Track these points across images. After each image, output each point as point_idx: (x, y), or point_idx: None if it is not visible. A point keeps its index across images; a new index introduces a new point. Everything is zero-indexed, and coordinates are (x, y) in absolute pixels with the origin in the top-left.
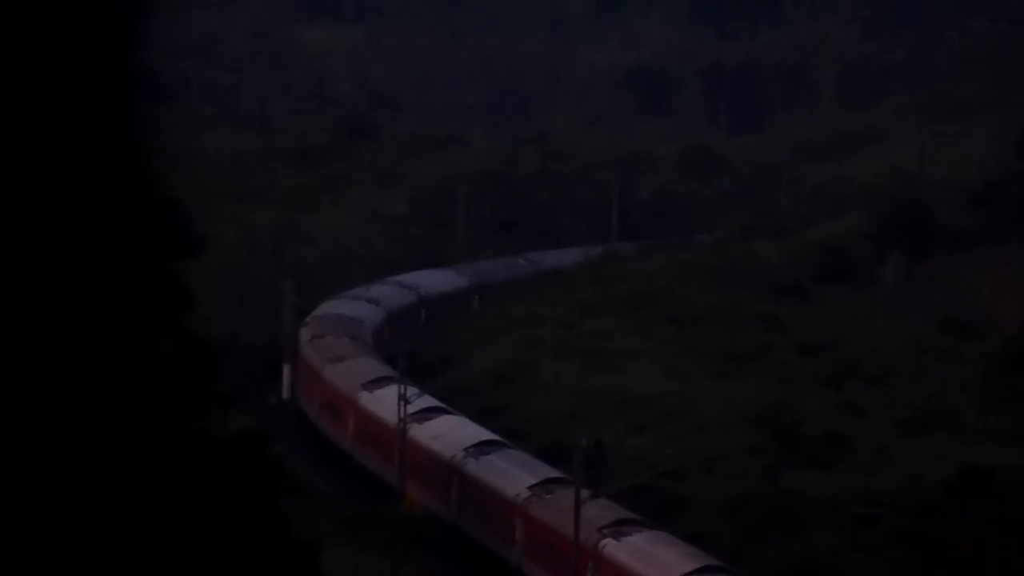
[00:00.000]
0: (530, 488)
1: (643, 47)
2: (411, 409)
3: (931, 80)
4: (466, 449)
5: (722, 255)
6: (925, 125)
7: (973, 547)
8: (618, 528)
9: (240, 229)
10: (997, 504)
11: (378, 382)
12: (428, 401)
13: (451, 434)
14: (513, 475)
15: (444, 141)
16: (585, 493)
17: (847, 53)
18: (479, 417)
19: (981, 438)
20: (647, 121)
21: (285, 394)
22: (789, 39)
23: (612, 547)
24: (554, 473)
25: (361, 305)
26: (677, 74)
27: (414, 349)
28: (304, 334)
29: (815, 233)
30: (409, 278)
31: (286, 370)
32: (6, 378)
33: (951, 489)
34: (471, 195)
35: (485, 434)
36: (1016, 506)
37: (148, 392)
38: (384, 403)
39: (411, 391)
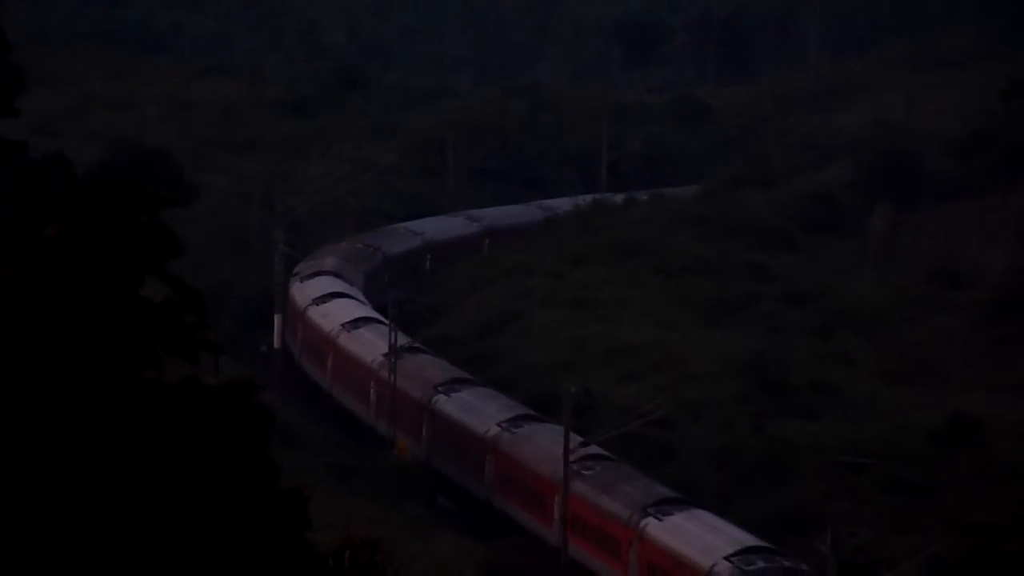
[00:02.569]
0: (383, 355)
1: None
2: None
3: (919, 31)
4: (342, 324)
5: (710, 205)
6: (913, 76)
7: (960, 495)
8: (451, 386)
9: (231, 179)
10: (984, 452)
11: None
12: (330, 285)
13: (335, 312)
14: (372, 344)
15: (434, 92)
16: (431, 357)
17: (835, 4)
18: (467, 365)
19: (968, 386)
20: (636, 72)
21: (276, 343)
22: None
23: (443, 402)
24: (408, 341)
25: (458, 222)
26: (666, 25)
27: (405, 298)
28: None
29: (803, 183)
30: (555, 201)
31: (277, 319)
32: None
33: (938, 437)
34: (461, 145)
35: (362, 311)
36: (1003, 454)
37: (139, 339)
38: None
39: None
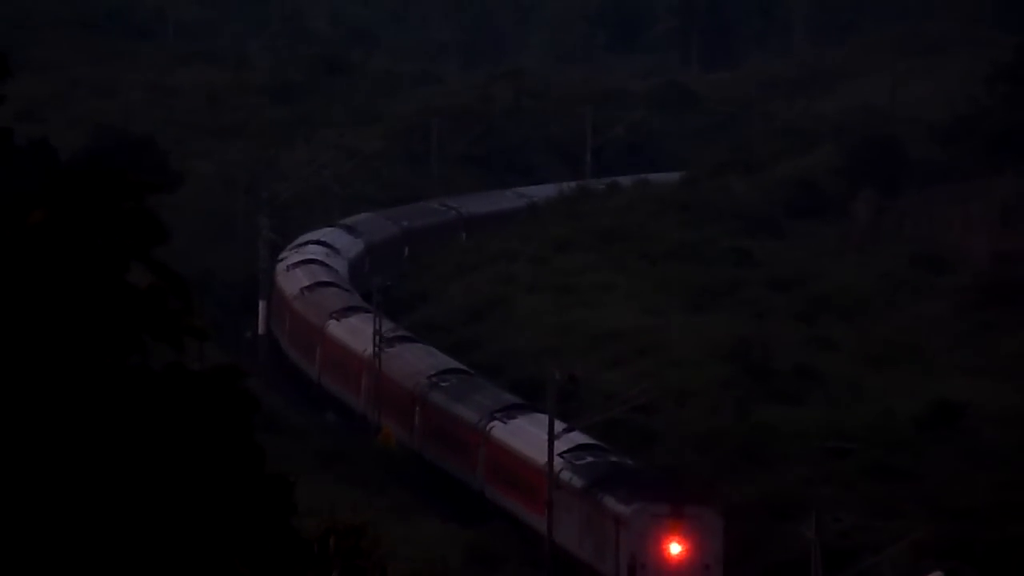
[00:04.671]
0: (300, 289)
1: None
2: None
3: (903, 16)
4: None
5: (694, 191)
6: (896, 61)
7: (944, 480)
8: (343, 312)
9: (216, 165)
10: (968, 437)
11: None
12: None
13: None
14: (294, 278)
15: (418, 78)
16: (336, 289)
17: None
18: (452, 351)
19: (952, 371)
20: (620, 57)
21: (261, 329)
22: None
23: (334, 326)
24: (324, 278)
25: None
26: (649, 10)
27: (389, 284)
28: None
29: (787, 169)
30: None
31: (262, 305)
32: None
33: (923, 422)
34: (445, 131)
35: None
36: (987, 439)
37: (124, 325)
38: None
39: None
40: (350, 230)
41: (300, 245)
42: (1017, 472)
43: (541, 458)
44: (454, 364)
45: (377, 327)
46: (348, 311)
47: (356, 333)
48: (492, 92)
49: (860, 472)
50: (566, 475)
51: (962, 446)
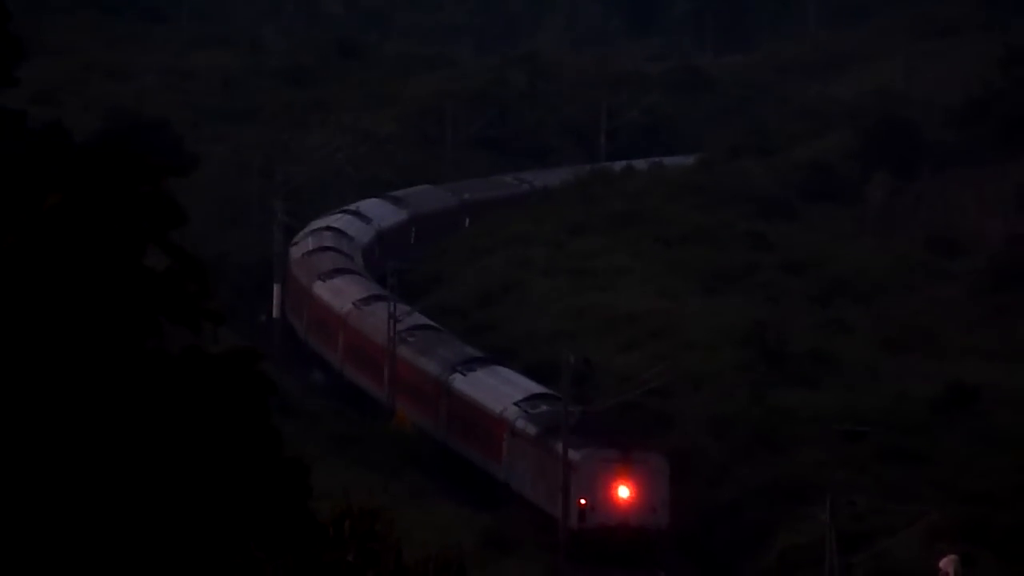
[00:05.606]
0: (302, 254)
1: None
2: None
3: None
4: (303, 251)
5: (709, 174)
6: (911, 44)
7: (959, 463)
8: (330, 275)
9: (230, 148)
10: (983, 420)
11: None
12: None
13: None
14: (302, 246)
15: (433, 61)
16: (332, 254)
17: None
18: (467, 335)
19: (966, 355)
20: (634, 41)
21: (275, 313)
22: None
23: (319, 286)
24: (327, 244)
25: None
26: None
27: (405, 268)
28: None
29: (802, 152)
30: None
31: (277, 289)
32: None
33: (937, 406)
34: (460, 114)
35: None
36: (1001, 422)
37: (142, 308)
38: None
39: None
40: (396, 201)
41: (331, 216)
42: None
43: (497, 407)
44: (424, 320)
45: (391, 310)
46: (335, 272)
47: (337, 292)
48: (506, 75)
49: (874, 455)
50: (520, 423)
51: (976, 429)
